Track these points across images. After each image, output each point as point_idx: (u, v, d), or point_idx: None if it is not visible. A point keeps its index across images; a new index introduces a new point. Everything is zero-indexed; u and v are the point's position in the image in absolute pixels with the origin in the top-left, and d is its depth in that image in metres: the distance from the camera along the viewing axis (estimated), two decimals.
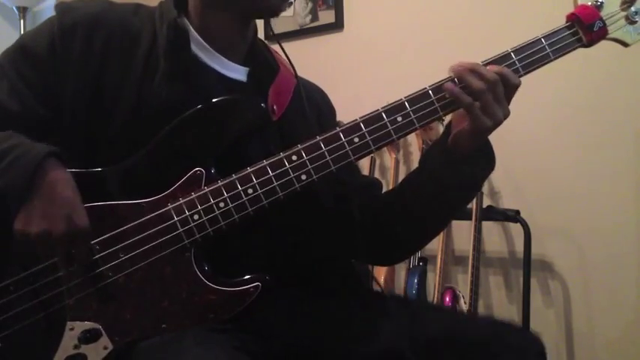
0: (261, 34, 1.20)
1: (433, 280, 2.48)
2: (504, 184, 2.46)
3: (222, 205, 0.98)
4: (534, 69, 1.05)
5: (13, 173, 0.91)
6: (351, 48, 2.88)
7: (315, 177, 1.00)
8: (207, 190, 0.98)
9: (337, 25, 2.93)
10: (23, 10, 2.93)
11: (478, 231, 2.35)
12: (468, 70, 1.01)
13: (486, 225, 2.43)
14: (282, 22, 2.89)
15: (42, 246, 0.91)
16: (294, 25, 2.99)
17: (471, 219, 2.33)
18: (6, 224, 0.96)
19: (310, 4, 2.99)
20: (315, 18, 2.99)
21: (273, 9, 1.09)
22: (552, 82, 2.07)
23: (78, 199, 0.94)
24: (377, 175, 2.75)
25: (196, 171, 1.00)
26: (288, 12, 2.97)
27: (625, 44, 1.10)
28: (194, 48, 1.08)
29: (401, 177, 2.67)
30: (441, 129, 2.55)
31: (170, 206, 0.98)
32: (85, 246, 0.95)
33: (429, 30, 2.66)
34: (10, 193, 0.91)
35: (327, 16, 2.95)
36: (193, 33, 1.09)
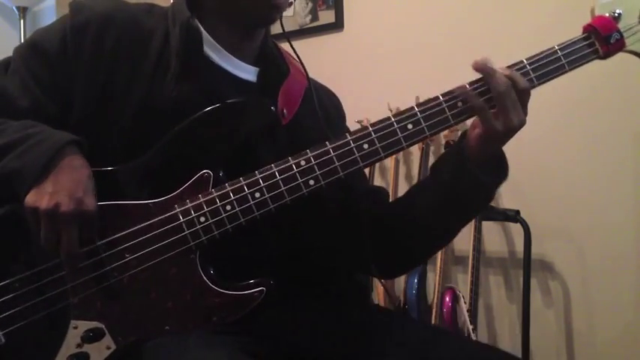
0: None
1: (433, 280, 2.48)
2: (504, 184, 2.45)
3: (229, 208, 0.98)
4: (548, 80, 1.03)
5: (31, 156, 0.93)
6: (351, 48, 2.88)
7: (322, 182, 0.99)
8: (214, 192, 0.99)
9: (337, 25, 2.93)
10: (23, 10, 2.92)
11: (478, 231, 2.36)
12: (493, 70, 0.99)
13: (486, 225, 2.44)
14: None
15: (48, 222, 0.91)
16: (294, 25, 3.00)
17: (470, 222, 2.32)
18: (10, 221, 0.97)
19: (310, 4, 2.99)
20: (315, 18, 2.99)
21: (266, 19, 1.09)
22: (552, 83, 2.07)
23: (90, 184, 0.95)
24: (377, 175, 2.75)
25: (204, 173, 1.00)
26: (288, 12, 2.97)
27: None
28: (205, 48, 1.08)
29: (401, 177, 2.68)
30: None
31: (177, 208, 0.98)
32: (89, 230, 0.95)
33: (430, 30, 2.66)
34: (25, 173, 0.93)
35: (327, 16, 2.96)
36: (205, 33, 1.09)
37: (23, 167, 0.93)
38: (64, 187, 0.92)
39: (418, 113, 1.01)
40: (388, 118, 1.01)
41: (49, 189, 0.92)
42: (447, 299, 2.36)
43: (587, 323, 2.32)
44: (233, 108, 1.03)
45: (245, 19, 1.10)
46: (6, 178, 0.95)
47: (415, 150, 2.66)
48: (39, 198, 0.91)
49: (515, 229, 2.42)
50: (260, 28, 1.14)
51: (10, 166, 0.94)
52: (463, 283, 2.50)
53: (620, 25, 1.05)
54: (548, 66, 1.03)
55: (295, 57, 1.18)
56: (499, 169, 1.07)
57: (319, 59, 2.70)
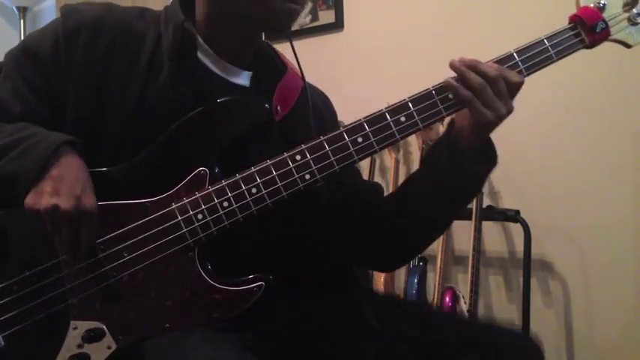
0: None
1: (433, 280, 2.48)
2: (504, 184, 2.46)
3: (226, 204, 0.98)
4: (537, 70, 1.06)
5: (28, 157, 0.94)
6: (351, 48, 2.88)
7: (318, 177, 1.00)
8: (211, 189, 0.99)
9: (337, 25, 2.93)
10: (23, 10, 2.94)
11: (478, 231, 2.35)
12: (467, 67, 1.03)
13: (486, 225, 2.43)
14: None
15: (49, 221, 0.92)
16: (293, 25, 2.99)
17: (471, 219, 2.33)
18: (8, 223, 0.97)
19: (310, 4, 2.99)
20: (315, 18, 2.99)
21: (282, 28, 1.10)
22: (552, 82, 2.08)
23: (88, 183, 0.96)
24: (377, 175, 2.75)
25: (200, 171, 1.00)
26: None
27: (627, 45, 1.10)
28: (198, 53, 1.09)
29: (401, 177, 2.67)
30: (441, 129, 2.56)
31: (174, 206, 0.98)
32: (90, 227, 0.95)
33: (429, 30, 2.66)
34: (24, 175, 0.93)
35: (327, 16, 2.95)
36: (198, 38, 1.09)
37: (21, 169, 0.94)
38: (63, 187, 0.92)
39: (411, 106, 1.02)
40: (381, 112, 1.02)
41: (48, 189, 0.92)
42: (447, 299, 2.36)
43: (587, 323, 2.32)
44: (227, 105, 1.03)
45: (258, 28, 1.11)
46: (4, 180, 0.95)
47: (415, 150, 2.66)
48: (38, 198, 0.92)
49: (515, 229, 2.42)
50: (272, 35, 1.14)
51: (7, 168, 0.95)
52: (463, 283, 2.50)
53: (605, 15, 1.08)
54: (537, 57, 1.05)
55: (292, 57, 1.18)
56: (490, 156, 1.09)
57: (319, 59, 2.72)
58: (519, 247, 2.37)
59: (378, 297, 1.26)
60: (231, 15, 1.08)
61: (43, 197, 0.91)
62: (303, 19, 3.00)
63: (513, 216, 2.32)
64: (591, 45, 1.07)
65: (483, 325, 1.21)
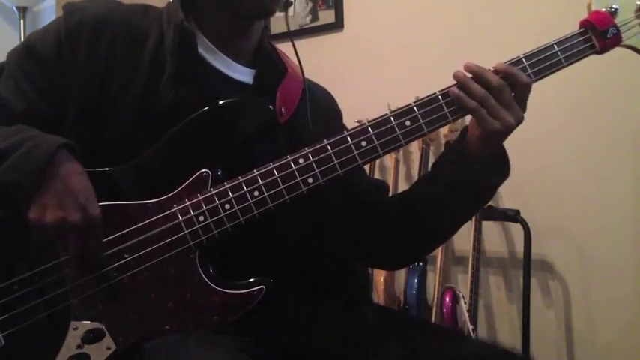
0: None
1: (433, 280, 2.48)
2: (504, 184, 2.45)
3: (227, 207, 0.98)
4: (546, 75, 1.04)
5: (26, 166, 0.92)
6: (351, 48, 2.88)
7: (321, 180, 0.99)
8: (213, 191, 0.98)
9: (337, 25, 2.93)
10: (23, 10, 2.93)
11: (478, 231, 2.36)
12: (471, 78, 1.02)
13: (486, 225, 2.44)
14: (281, 22, 2.88)
15: (57, 234, 0.91)
16: (294, 25, 2.99)
17: (471, 219, 2.33)
18: (13, 221, 0.96)
19: (310, 4, 2.99)
20: (315, 18, 2.99)
21: (265, 9, 1.08)
22: (552, 83, 2.07)
23: (90, 190, 0.94)
24: (377, 175, 2.75)
25: (203, 172, 1.00)
26: (288, 12, 2.97)
27: (639, 52, 1.09)
28: (201, 50, 1.08)
29: (401, 177, 2.68)
30: (442, 130, 2.55)
31: (176, 207, 0.98)
32: (97, 236, 0.94)
33: (429, 30, 2.67)
34: (24, 185, 0.91)
35: (327, 16, 2.96)
36: (200, 35, 1.09)
37: (18, 180, 0.92)
38: (67, 198, 0.91)
39: (416, 110, 1.02)
40: (386, 116, 1.02)
41: (53, 202, 0.90)
42: (447, 299, 2.37)
43: (587, 323, 2.32)
44: (231, 107, 1.03)
45: (243, 9, 1.08)
46: (2, 191, 0.93)
47: (415, 150, 2.66)
48: (42, 213, 0.90)
49: (515, 229, 2.42)
50: (258, 19, 1.12)
51: (5, 179, 0.93)
52: (463, 283, 2.50)
53: (617, 20, 1.06)
54: (546, 61, 1.04)
55: (293, 57, 1.18)
56: (500, 167, 1.08)
57: (319, 59, 2.71)
58: (519, 247, 2.38)
59: (380, 307, 1.26)
60: (220, 6, 1.08)
61: (48, 211, 0.90)
62: (303, 19, 3.00)
63: (513, 216, 2.32)
64: (602, 51, 1.06)
65: (484, 345, 1.20)
